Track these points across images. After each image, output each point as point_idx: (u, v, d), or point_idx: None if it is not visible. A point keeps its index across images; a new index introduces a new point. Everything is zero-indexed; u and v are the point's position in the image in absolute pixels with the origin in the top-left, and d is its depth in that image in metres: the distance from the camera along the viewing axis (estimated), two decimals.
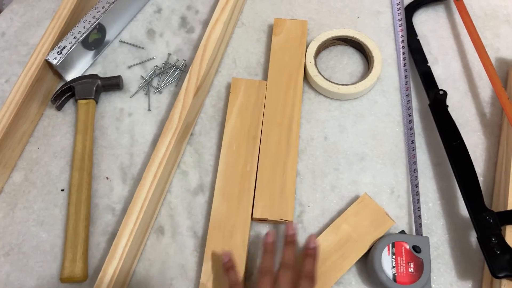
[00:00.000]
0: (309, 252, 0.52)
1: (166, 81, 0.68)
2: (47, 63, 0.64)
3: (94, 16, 0.66)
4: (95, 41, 0.68)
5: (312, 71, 0.66)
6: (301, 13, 0.73)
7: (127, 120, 0.66)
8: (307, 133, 0.64)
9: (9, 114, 0.60)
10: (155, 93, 0.68)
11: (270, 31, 0.72)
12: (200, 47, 0.64)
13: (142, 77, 0.69)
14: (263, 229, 0.59)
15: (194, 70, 0.63)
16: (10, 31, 0.73)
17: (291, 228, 0.54)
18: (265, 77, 0.68)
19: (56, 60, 0.63)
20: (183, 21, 0.73)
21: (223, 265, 0.53)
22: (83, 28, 0.66)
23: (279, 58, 0.67)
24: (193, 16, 0.74)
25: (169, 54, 0.71)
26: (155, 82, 0.69)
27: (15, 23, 0.74)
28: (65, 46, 0.64)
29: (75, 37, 0.65)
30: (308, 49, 0.67)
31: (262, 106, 0.64)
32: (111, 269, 0.52)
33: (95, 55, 0.70)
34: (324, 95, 0.66)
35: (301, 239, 0.58)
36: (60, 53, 0.64)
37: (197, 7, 0.74)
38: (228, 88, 0.68)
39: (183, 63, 0.70)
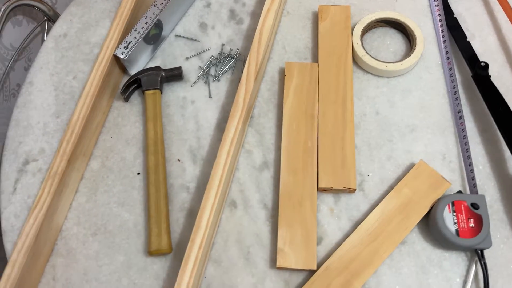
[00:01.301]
0: None
1: (222, 69, 0.73)
2: (115, 58, 0.70)
3: (154, 13, 0.72)
4: (154, 36, 0.73)
5: (360, 51, 0.71)
6: (342, 0, 0.78)
7: (191, 107, 0.71)
8: (359, 109, 0.69)
9: (87, 106, 0.66)
10: (213, 81, 0.73)
11: (314, 18, 0.77)
12: (255, 35, 0.69)
13: (200, 67, 0.74)
14: (328, 198, 0.64)
15: (252, 57, 0.68)
16: (71, 32, 0.78)
17: None
18: (315, 60, 0.73)
19: (123, 55, 0.69)
20: (232, 14, 0.78)
21: None
22: (145, 24, 0.71)
23: (327, 42, 0.72)
24: (241, 9, 0.79)
25: (223, 44, 0.76)
26: (212, 71, 0.74)
27: (75, 24, 0.79)
28: (130, 41, 0.70)
29: (138, 33, 0.70)
30: (353, 32, 0.72)
31: (316, 87, 0.69)
32: (198, 239, 0.57)
33: (154, 50, 0.75)
34: (372, 73, 0.71)
35: (365, 206, 0.63)
36: (126, 48, 0.69)
37: (243, 0, 0.80)
38: (281, 73, 0.73)
39: (237, 52, 0.75)
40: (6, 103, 0.79)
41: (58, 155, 0.63)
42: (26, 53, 0.83)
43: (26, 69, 0.84)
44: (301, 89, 0.69)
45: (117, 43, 0.70)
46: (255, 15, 0.78)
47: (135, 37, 0.70)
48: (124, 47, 0.69)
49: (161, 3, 0.72)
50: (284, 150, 0.65)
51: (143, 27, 0.71)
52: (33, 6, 0.78)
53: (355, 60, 0.72)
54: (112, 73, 0.71)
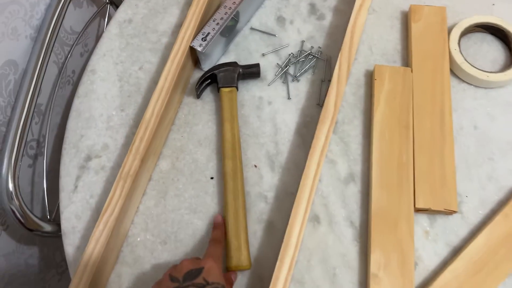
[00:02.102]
0: (215, 226, 0.56)
1: (303, 69, 0.67)
2: (190, 50, 0.64)
3: (234, 2, 0.65)
4: (229, 28, 0.67)
5: (458, 58, 0.64)
6: None
7: (268, 109, 0.65)
8: (455, 122, 0.63)
9: (162, 102, 0.60)
10: (292, 81, 0.67)
11: (404, 18, 0.70)
12: (347, 33, 0.63)
13: (278, 65, 0.68)
14: (422, 219, 0.58)
15: (344, 57, 0.62)
16: (137, 18, 0.72)
17: (218, 219, 0.57)
18: (404, 63, 0.67)
19: (201, 47, 0.63)
20: (312, 8, 0.72)
21: (214, 224, 0.57)
22: (225, 14, 0.65)
23: (421, 45, 0.66)
24: (322, 3, 0.72)
25: (303, 41, 0.69)
26: (291, 70, 0.68)
27: (140, 10, 0.73)
28: (208, 33, 0.63)
29: (217, 24, 0.64)
30: (450, 36, 0.66)
31: (410, 94, 0.63)
32: (287, 258, 0.51)
33: (228, 43, 0.69)
34: (468, 83, 0.65)
35: (464, 230, 0.57)
36: (204, 40, 0.63)
37: None
38: (367, 76, 0.66)
39: (319, 51, 0.68)
40: (61, 90, 0.74)
41: (130, 154, 0.57)
42: (83, 38, 0.77)
43: (82, 54, 0.78)
44: (394, 96, 0.63)
45: (194, 34, 0.64)
46: (338, 11, 0.71)
47: (214, 28, 0.64)
48: (202, 39, 0.63)
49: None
50: (376, 163, 0.59)
51: (222, 18, 0.65)
52: None
53: (451, 67, 0.66)
54: (186, 67, 0.65)
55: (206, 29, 0.64)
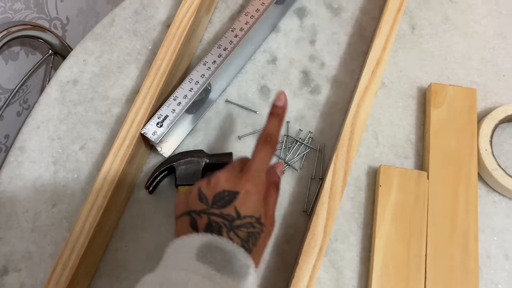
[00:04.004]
0: (275, 111, 0.41)
1: (288, 159, 0.53)
2: (142, 136, 0.49)
3: (203, 75, 0.50)
4: (197, 102, 0.52)
5: (490, 162, 0.50)
6: (460, 74, 0.56)
7: None
8: (481, 247, 0.48)
9: (101, 203, 0.45)
10: None
11: (421, 96, 0.55)
12: (345, 126, 0.48)
13: None
14: None
15: (339, 160, 0.47)
16: (84, 79, 0.57)
17: (282, 99, 0.41)
18: (419, 161, 0.52)
19: (155, 136, 0.48)
20: (305, 77, 0.57)
21: (273, 108, 0.41)
22: (189, 90, 0.50)
23: (442, 140, 0.51)
24: (318, 71, 0.57)
25: (288, 122, 0.55)
26: (273, 160, 0.53)
27: (89, 67, 0.58)
28: (166, 116, 0.49)
29: (179, 103, 0.49)
30: (481, 130, 0.51)
31: (425, 209, 0.48)
32: None
33: (195, 119, 0.54)
34: (499, 193, 0.50)
35: None
36: (161, 126, 0.48)
37: (322, 58, 0.58)
38: (370, 175, 0.52)
39: (310, 136, 0.54)
40: None
41: (55, 271, 0.43)
42: (21, 93, 0.62)
43: (20, 114, 0.63)
44: (403, 210, 0.48)
45: (148, 114, 0.49)
46: (338, 83, 0.56)
47: (174, 109, 0.49)
48: (158, 123, 0.48)
49: (214, 62, 0.51)
50: None
51: (185, 96, 0.50)
52: (37, 38, 0.57)
53: (479, 170, 0.51)
54: (136, 156, 0.50)
55: (164, 111, 0.49)
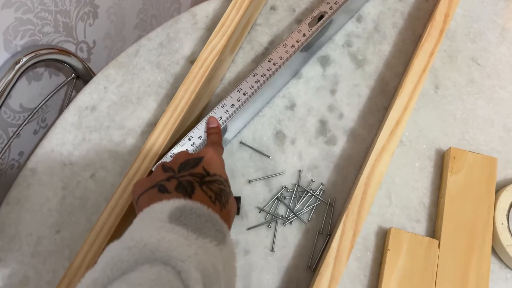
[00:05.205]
0: (211, 131, 0.49)
1: (297, 209, 0.52)
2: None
3: (220, 117, 0.50)
4: None
5: (505, 237, 0.48)
6: (481, 140, 0.55)
7: (242, 261, 0.50)
8: None
9: (98, 247, 0.45)
10: (284, 224, 0.51)
11: (438, 159, 0.54)
12: (359, 184, 0.47)
13: (264, 203, 0.52)
14: None
15: (349, 220, 0.46)
16: (102, 106, 0.58)
17: (214, 121, 0.50)
18: (431, 227, 0.51)
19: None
20: (322, 126, 0.57)
21: (208, 130, 0.49)
22: (204, 132, 0.50)
23: (457, 208, 0.50)
24: (336, 122, 0.57)
25: (300, 171, 0.54)
26: (281, 209, 0.52)
27: (109, 95, 0.58)
28: None
29: (193, 144, 0.49)
30: (498, 203, 0.50)
31: (433, 280, 0.46)
32: None
33: None
34: None
35: None
36: None
37: (341, 109, 0.57)
38: (379, 236, 0.50)
39: (321, 188, 0.53)
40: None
41: None
42: (40, 112, 0.63)
43: (37, 132, 0.64)
44: (410, 277, 0.46)
45: (161, 153, 0.49)
46: (355, 136, 0.56)
47: (187, 150, 0.49)
48: None
49: (232, 106, 0.51)
50: None
51: (200, 137, 0.49)
52: (61, 62, 0.58)
53: (493, 243, 0.49)
54: None
55: (178, 150, 0.49)
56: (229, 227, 0.35)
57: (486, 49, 0.61)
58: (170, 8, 0.91)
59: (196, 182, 0.35)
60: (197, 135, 0.49)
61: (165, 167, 0.38)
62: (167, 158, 0.48)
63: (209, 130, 0.49)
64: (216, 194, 0.35)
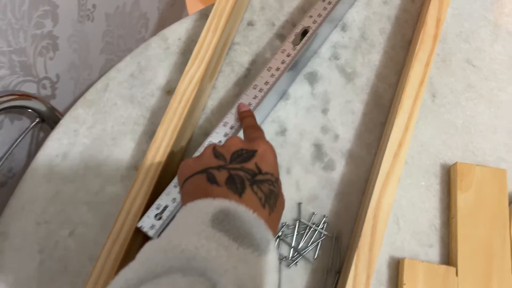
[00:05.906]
0: (244, 115, 0.46)
1: (301, 248, 0.47)
2: (137, 229, 0.44)
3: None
4: None
5: None
6: (485, 149, 0.52)
7: None
8: None
9: None
10: (288, 266, 0.47)
11: (444, 175, 0.51)
12: (367, 217, 0.43)
13: None
14: None
15: (361, 260, 0.42)
16: (74, 152, 0.52)
17: (244, 105, 0.47)
18: (444, 249, 0.47)
19: (153, 231, 0.42)
20: (318, 150, 0.52)
21: (241, 114, 0.47)
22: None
23: (470, 229, 0.46)
24: (331, 144, 0.53)
25: (299, 204, 0.50)
26: (284, 249, 0.48)
27: (80, 138, 0.53)
28: (166, 206, 0.43)
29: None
30: None
31: None
32: None
33: None
34: None
35: None
36: (159, 218, 0.43)
37: (336, 129, 0.53)
38: (391, 267, 0.47)
39: (325, 221, 0.49)
40: None
41: None
42: (6, 163, 0.57)
43: (4, 185, 0.58)
44: None
45: (145, 204, 0.44)
46: (354, 159, 0.52)
47: (174, 199, 0.44)
48: (156, 215, 0.43)
49: (220, 142, 0.46)
50: None
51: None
52: (24, 108, 0.52)
53: None
54: (133, 250, 0.45)
55: (164, 201, 0.44)
56: (275, 232, 0.32)
57: (480, 48, 0.58)
58: (137, 25, 0.85)
59: (247, 179, 0.32)
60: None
61: (216, 152, 0.35)
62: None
63: (241, 114, 0.46)
64: (266, 196, 0.32)
